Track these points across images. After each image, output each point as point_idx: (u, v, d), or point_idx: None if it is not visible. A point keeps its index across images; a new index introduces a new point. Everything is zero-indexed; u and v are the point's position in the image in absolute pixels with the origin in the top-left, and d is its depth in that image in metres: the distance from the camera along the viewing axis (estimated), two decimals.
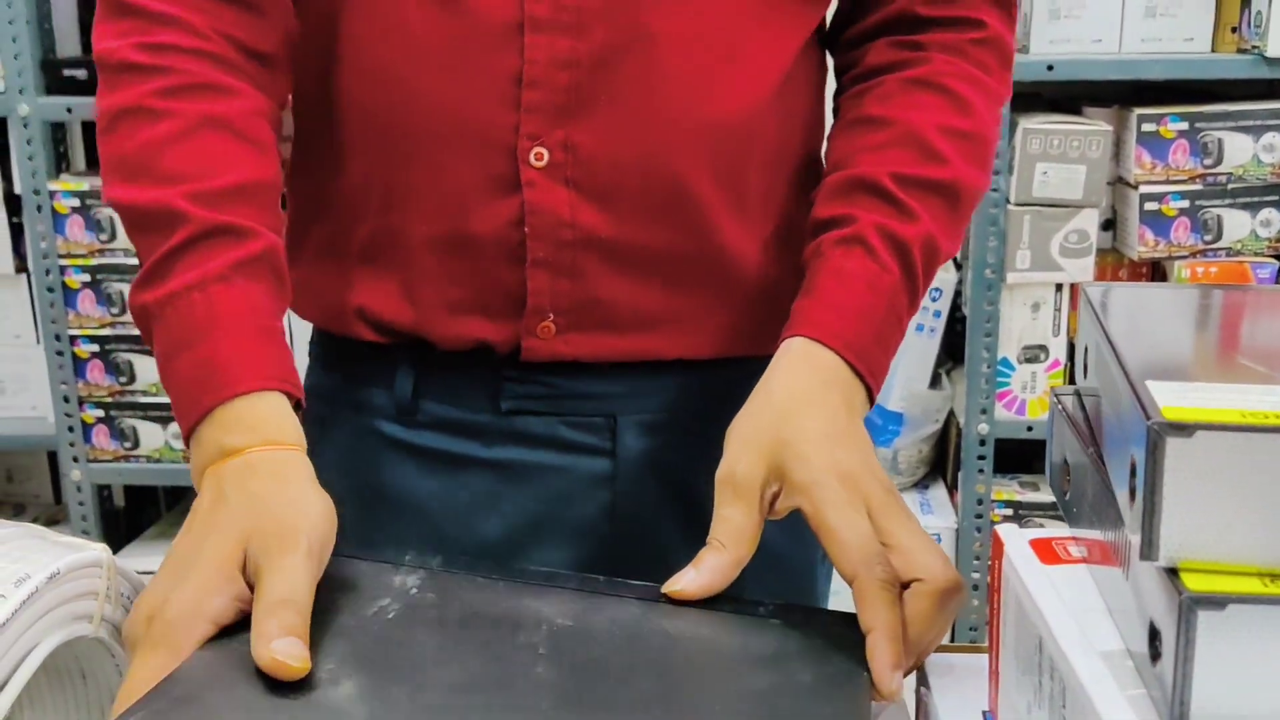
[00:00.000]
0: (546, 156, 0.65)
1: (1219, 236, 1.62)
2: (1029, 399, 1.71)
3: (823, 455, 0.57)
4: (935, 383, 1.87)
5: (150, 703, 0.43)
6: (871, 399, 0.63)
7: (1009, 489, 1.77)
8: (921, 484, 1.92)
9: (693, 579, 0.54)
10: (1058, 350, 1.69)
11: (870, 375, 0.63)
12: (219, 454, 0.54)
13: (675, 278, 0.69)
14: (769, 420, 0.59)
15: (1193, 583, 0.34)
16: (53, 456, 1.87)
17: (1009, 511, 1.76)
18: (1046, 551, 0.47)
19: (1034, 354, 1.69)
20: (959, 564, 1.78)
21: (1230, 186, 1.61)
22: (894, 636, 0.51)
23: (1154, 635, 0.36)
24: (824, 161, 0.72)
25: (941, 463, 1.95)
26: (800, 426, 0.58)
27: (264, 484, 0.53)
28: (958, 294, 1.82)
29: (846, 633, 0.52)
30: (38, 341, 1.75)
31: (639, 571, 0.57)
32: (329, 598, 0.50)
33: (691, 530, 0.69)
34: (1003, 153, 1.61)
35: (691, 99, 0.66)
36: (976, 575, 1.77)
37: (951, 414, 1.85)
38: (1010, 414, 1.71)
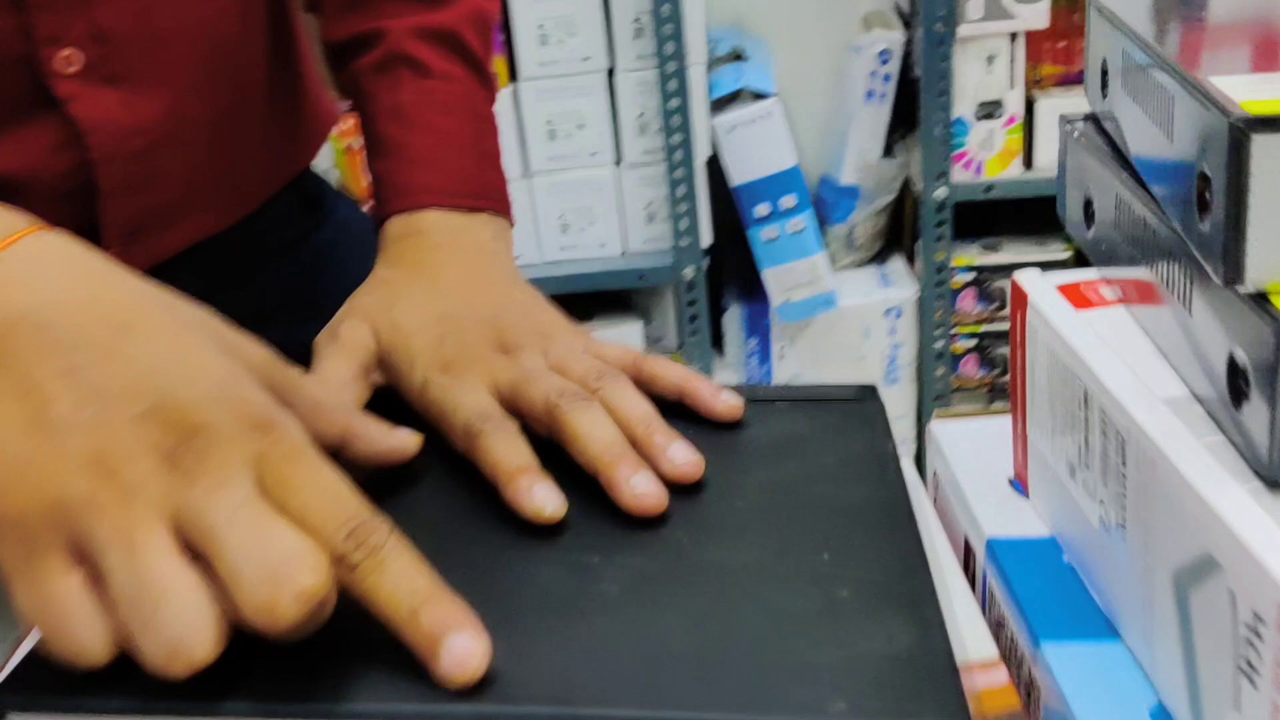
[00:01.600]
0: (80, 58, 0.52)
1: None
2: (986, 158, 1.66)
3: (429, 352, 0.47)
4: (888, 152, 1.81)
5: None
6: (502, 214, 0.57)
7: (969, 253, 1.74)
8: (879, 258, 1.88)
9: None
10: (1014, 105, 1.62)
11: (490, 201, 0.56)
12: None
13: (232, 143, 0.61)
14: (381, 300, 0.51)
15: None
16: None
17: (970, 276, 1.73)
18: (1077, 296, 0.42)
19: (990, 110, 1.63)
20: (921, 335, 1.76)
21: None
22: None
23: (1236, 373, 0.31)
24: None
25: (898, 234, 1.90)
26: (409, 312, 0.49)
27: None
28: (907, 55, 1.74)
29: (860, 405, 0.47)
30: None
31: None
32: None
33: None
34: None
35: None
36: (940, 344, 1.75)
37: (907, 182, 1.80)
38: (969, 175, 1.66)
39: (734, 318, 1.77)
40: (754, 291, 1.75)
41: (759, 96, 1.62)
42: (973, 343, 1.77)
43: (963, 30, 1.56)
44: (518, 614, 0.35)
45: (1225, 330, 0.31)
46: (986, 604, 0.43)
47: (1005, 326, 1.77)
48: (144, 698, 0.31)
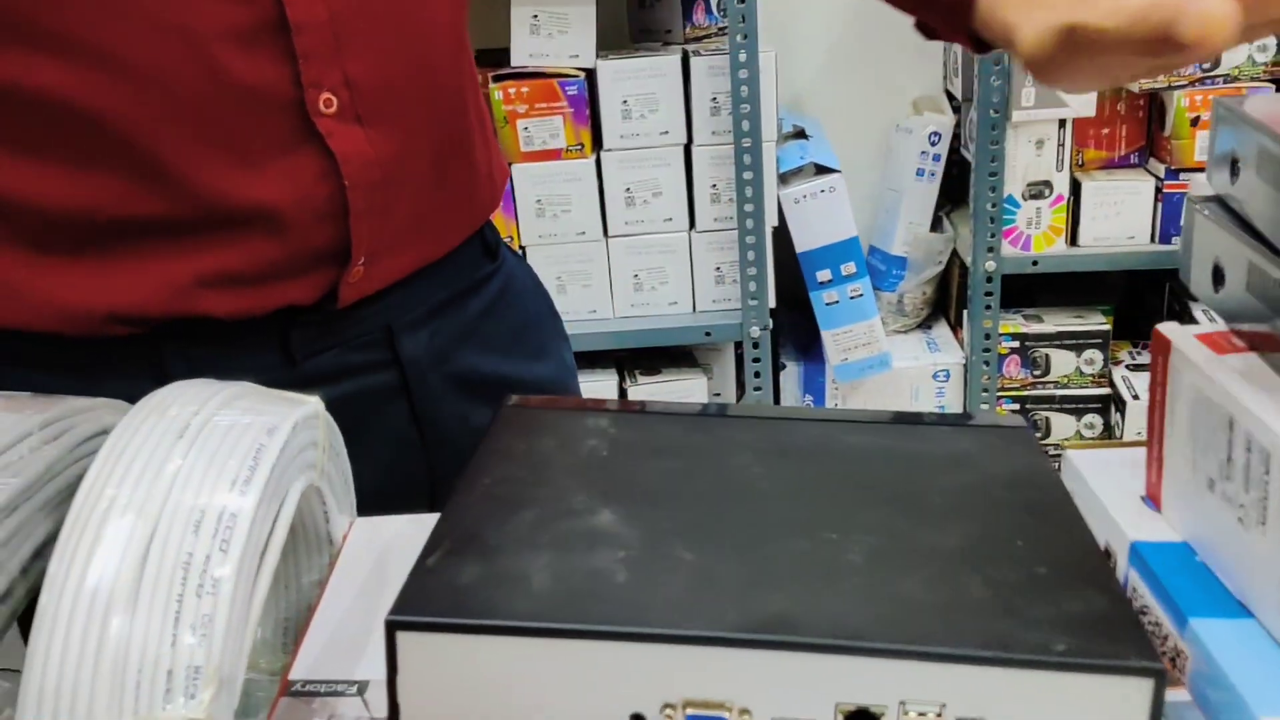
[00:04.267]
0: (335, 101, 0.63)
1: (1217, 63, 1.66)
2: (1034, 234, 1.76)
3: None
4: (936, 225, 1.92)
5: (434, 546, 0.46)
6: None
7: (1014, 322, 1.84)
8: (925, 324, 1.98)
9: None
10: (1061, 185, 1.74)
11: None
12: None
13: (445, 181, 0.72)
14: None
15: None
16: None
17: (1015, 344, 1.84)
18: (1214, 343, 0.52)
19: (1038, 190, 1.74)
20: (968, 398, 1.86)
21: None
22: None
23: None
24: None
25: (944, 302, 2.01)
26: None
27: None
28: (955, 137, 1.86)
29: (1016, 431, 0.56)
30: None
31: (456, 466, 0.54)
32: (538, 444, 0.53)
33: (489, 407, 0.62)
34: None
35: (427, 5, 0.68)
36: (985, 407, 1.85)
37: (954, 254, 1.90)
38: (1016, 250, 1.77)
39: (791, 375, 1.87)
40: (809, 351, 1.85)
41: (822, 170, 1.73)
42: (1015, 406, 1.87)
43: (1016, 115, 1.67)
44: (783, 573, 0.44)
45: None
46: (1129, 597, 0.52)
47: (1046, 392, 1.86)
48: (525, 618, 0.41)
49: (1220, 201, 0.55)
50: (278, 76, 0.62)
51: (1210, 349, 0.51)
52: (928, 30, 0.69)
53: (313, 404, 0.54)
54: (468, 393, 0.77)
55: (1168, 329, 0.53)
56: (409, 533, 0.56)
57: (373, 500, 0.61)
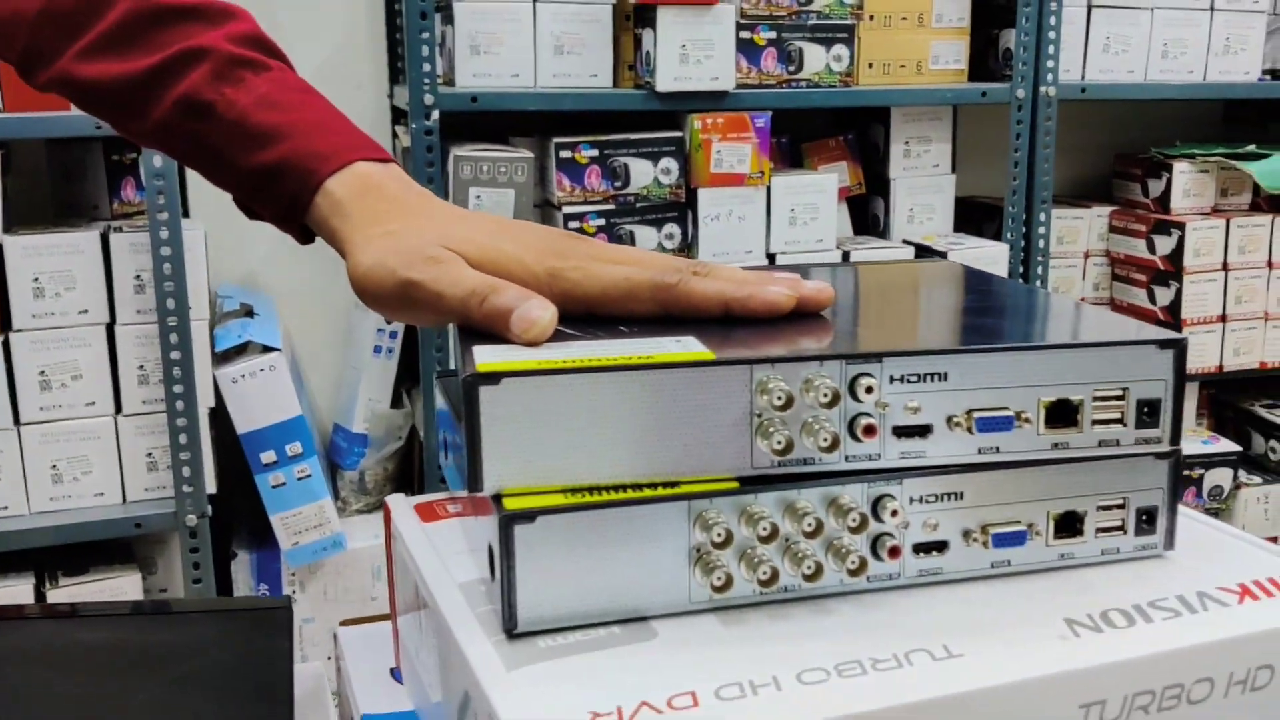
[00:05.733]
0: None
1: None
2: None
3: (530, 251, 0.51)
4: (397, 402, 1.93)
5: None
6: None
7: None
8: None
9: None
10: None
11: (387, 154, 0.58)
12: None
13: None
14: (423, 235, 0.52)
15: (510, 504, 0.41)
16: None
17: None
18: (428, 512, 0.53)
19: None
20: None
21: (638, 205, 1.82)
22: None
23: (490, 555, 0.42)
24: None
25: (409, 480, 2.01)
26: (465, 233, 0.52)
27: None
28: None
29: (273, 613, 0.55)
30: None
31: None
32: None
33: None
34: (436, 178, 1.70)
35: None
36: None
37: (414, 430, 1.92)
38: None
39: (242, 564, 1.77)
40: (266, 538, 1.77)
41: (268, 350, 1.69)
42: None
43: None
44: None
45: (485, 526, 0.43)
46: None
47: None
48: None
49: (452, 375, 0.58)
50: None
51: (421, 517, 0.52)
52: (249, 211, 0.67)
53: None
54: None
55: (392, 500, 0.54)
56: None
57: None
